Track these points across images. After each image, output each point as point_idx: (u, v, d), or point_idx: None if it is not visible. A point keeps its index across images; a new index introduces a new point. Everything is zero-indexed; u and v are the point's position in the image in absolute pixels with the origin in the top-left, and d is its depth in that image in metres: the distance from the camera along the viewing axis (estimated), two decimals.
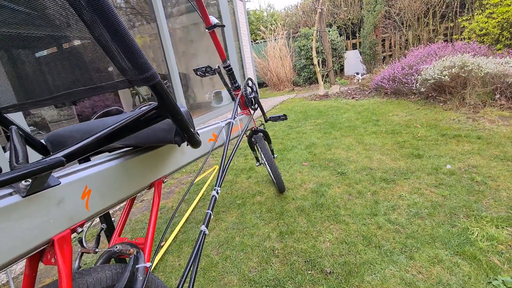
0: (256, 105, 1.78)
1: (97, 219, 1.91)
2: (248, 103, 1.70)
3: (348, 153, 2.69)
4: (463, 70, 3.39)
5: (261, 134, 1.92)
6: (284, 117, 1.96)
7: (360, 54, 8.44)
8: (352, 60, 8.73)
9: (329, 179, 2.21)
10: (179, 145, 0.70)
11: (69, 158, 0.50)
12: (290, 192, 2.09)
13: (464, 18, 6.56)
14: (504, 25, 5.21)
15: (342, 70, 9.05)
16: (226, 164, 1.15)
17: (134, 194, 0.75)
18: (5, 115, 0.70)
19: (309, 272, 1.31)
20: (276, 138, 3.56)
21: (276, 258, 1.44)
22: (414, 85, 4.22)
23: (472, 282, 1.13)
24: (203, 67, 1.57)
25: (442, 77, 3.54)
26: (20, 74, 0.60)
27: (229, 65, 1.62)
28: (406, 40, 7.82)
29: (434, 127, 3.01)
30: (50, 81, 0.57)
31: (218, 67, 1.58)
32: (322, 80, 6.82)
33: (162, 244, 1.66)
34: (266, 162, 2.00)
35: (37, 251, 0.52)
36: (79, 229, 0.59)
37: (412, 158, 2.36)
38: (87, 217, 0.60)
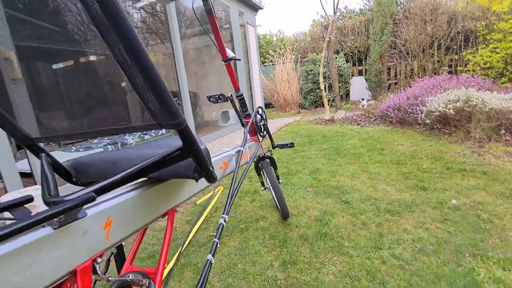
0: (265, 132, 1.84)
1: None
2: (257, 130, 1.75)
3: (353, 181, 2.70)
4: (467, 105, 3.45)
5: (268, 160, 1.96)
6: (292, 145, 2.00)
7: (366, 81, 8.63)
8: (358, 86, 8.92)
9: (333, 207, 2.21)
10: (197, 181, 0.74)
11: (99, 193, 0.55)
12: (293, 219, 2.09)
13: (468, 52, 6.73)
14: (508, 60, 5.35)
15: (347, 95, 9.23)
16: (235, 191, 1.17)
17: (149, 223, 0.78)
18: (37, 144, 0.75)
19: None
20: (281, 161, 3.59)
21: None
22: (419, 116, 4.28)
23: None
24: (217, 95, 1.64)
25: (447, 110, 3.60)
26: (57, 112, 0.65)
27: (242, 95, 1.70)
28: (411, 69, 8.01)
29: (439, 159, 3.02)
30: (85, 119, 0.62)
31: (231, 95, 1.66)
32: (328, 104, 6.94)
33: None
34: (271, 187, 2.02)
35: (60, 281, 0.55)
36: (99, 259, 0.62)
37: (417, 190, 2.36)
38: (107, 247, 0.63)
